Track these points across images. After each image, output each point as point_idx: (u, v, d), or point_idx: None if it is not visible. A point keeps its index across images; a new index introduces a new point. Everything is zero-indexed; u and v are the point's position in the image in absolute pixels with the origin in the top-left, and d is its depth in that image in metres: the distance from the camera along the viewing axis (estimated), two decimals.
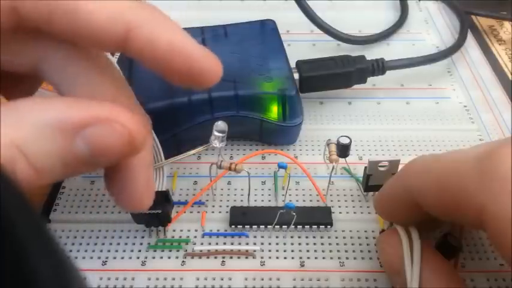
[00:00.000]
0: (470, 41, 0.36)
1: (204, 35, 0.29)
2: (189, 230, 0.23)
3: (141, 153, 0.16)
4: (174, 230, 0.23)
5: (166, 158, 0.23)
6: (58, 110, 0.15)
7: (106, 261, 0.22)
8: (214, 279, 0.21)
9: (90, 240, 0.23)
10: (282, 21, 0.31)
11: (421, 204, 0.17)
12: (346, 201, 0.25)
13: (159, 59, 0.16)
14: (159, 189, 0.22)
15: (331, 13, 0.35)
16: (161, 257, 0.22)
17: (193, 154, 0.23)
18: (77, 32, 0.16)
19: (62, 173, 0.15)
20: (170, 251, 0.22)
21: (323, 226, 0.23)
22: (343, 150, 0.23)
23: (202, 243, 0.23)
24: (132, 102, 0.19)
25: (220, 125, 0.22)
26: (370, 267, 0.22)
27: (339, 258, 0.22)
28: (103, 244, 0.23)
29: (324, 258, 0.22)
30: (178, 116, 0.25)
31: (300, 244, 0.23)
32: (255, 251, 0.22)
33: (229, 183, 0.26)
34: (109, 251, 0.23)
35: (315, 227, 0.23)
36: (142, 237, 0.23)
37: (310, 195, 0.25)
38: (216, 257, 0.22)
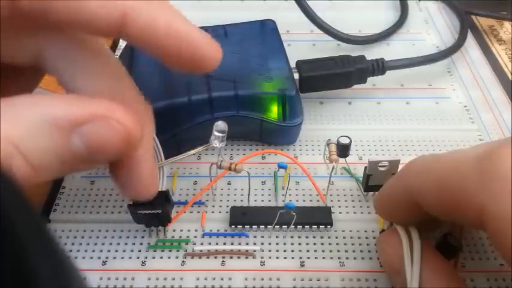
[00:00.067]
0: (470, 41, 0.36)
1: None
2: (189, 230, 0.23)
3: (144, 143, 0.16)
4: (174, 230, 0.23)
5: (166, 158, 0.22)
6: (55, 107, 0.15)
7: (106, 261, 0.22)
8: (214, 279, 0.21)
9: (90, 240, 0.23)
10: (282, 21, 0.31)
11: (421, 204, 0.17)
12: (346, 201, 0.25)
13: (159, 42, 0.16)
14: (159, 189, 0.22)
15: (331, 13, 0.35)
16: (161, 257, 0.22)
17: (193, 154, 0.23)
18: (72, 18, 0.16)
19: (59, 170, 0.15)
20: (170, 251, 0.22)
21: (323, 226, 0.23)
22: (343, 150, 0.23)
23: (202, 243, 0.23)
24: (133, 92, 0.19)
25: (220, 125, 0.22)
26: (370, 267, 0.22)
27: (339, 258, 0.22)
28: (103, 244, 0.23)
29: (324, 258, 0.22)
30: (178, 116, 0.25)
31: (300, 244, 0.23)
32: (255, 251, 0.22)
33: (229, 183, 0.26)
34: (109, 251, 0.23)
35: (315, 227, 0.23)
36: (142, 237, 0.23)
37: (310, 195, 0.25)
38: (216, 257, 0.22)
